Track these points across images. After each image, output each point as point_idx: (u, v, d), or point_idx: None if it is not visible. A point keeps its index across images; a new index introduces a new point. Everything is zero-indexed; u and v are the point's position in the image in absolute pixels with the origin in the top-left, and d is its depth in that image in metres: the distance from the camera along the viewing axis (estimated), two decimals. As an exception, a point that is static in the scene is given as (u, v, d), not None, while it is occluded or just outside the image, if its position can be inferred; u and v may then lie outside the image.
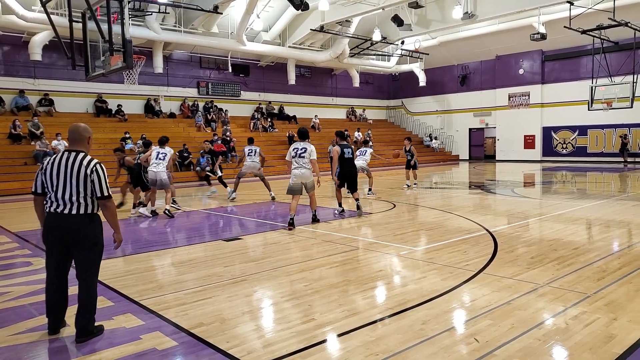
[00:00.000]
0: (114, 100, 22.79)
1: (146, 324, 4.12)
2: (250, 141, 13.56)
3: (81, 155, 3.83)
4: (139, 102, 23.97)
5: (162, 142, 10.79)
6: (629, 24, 20.21)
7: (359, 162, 13.00)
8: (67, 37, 8.84)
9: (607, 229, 8.16)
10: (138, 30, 20.20)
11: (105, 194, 3.84)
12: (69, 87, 21.33)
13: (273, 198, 12.90)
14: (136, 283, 5.34)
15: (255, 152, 13.11)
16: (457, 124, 32.93)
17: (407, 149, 14.94)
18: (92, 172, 3.78)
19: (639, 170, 20.98)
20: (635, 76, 21.16)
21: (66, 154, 3.86)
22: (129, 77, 14.46)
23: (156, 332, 3.95)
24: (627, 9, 20.90)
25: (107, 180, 3.88)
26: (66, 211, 3.77)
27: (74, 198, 3.77)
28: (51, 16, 9.62)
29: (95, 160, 3.85)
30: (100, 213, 3.95)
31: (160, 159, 10.55)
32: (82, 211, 3.79)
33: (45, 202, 3.88)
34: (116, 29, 7.54)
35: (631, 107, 21.55)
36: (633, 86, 21.17)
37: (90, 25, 8.11)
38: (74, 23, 8.55)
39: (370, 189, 13.44)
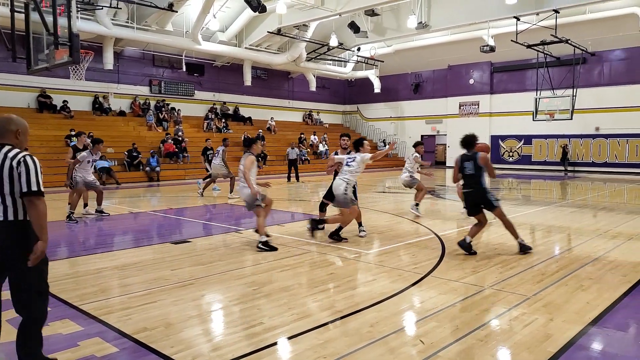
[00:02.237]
0: (59, 95, 21.84)
1: (85, 330, 3.96)
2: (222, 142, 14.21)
3: (6, 148, 3.18)
4: (87, 99, 23.08)
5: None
6: (569, 41, 21.33)
7: (405, 175, 10.47)
8: (8, 27, 8.41)
9: (548, 233, 8.53)
10: (87, 25, 19.47)
11: (34, 188, 3.08)
12: (8, 80, 20.22)
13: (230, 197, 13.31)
14: (76, 287, 5.13)
15: (218, 153, 13.61)
16: (410, 130, 33.61)
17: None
18: (19, 163, 3.11)
19: (578, 179, 22.08)
20: (574, 90, 22.29)
21: None
22: (76, 72, 13.90)
23: (96, 338, 3.80)
24: (568, 27, 22.02)
25: (40, 176, 3.18)
26: None
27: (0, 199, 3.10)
28: (-8, 5, 9.14)
29: (24, 153, 3.20)
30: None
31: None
32: (10, 216, 3.09)
33: None
34: (62, 21, 7.21)
35: (571, 119, 22.72)
36: (573, 99, 22.31)
37: (34, 16, 7.73)
38: (15, 13, 8.14)
39: (417, 204, 10.46)
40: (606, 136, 25.68)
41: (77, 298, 4.75)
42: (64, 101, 21.79)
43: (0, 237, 3.09)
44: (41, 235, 3.11)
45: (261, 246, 6.92)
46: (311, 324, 4.08)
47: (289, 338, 3.81)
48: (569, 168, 26.13)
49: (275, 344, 3.72)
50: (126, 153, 19.93)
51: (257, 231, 7.20)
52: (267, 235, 7.09)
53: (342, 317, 4.24)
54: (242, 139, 24.27)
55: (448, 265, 6.04)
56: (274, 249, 6.92)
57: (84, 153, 9.90)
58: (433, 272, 5.71)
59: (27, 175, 3.10)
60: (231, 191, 13.54)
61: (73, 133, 19.69)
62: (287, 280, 5.41)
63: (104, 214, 10.30)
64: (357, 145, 7.72)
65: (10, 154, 3.15)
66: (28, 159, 3.15)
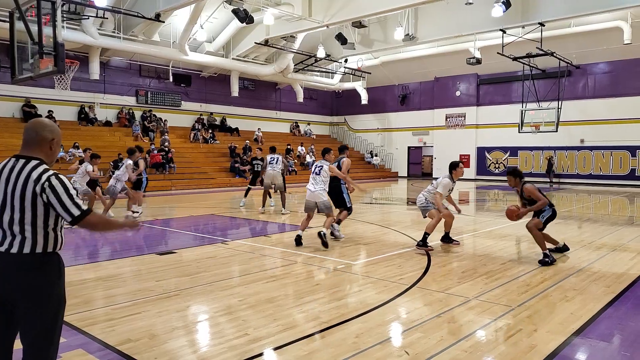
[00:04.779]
0: (44, 105, 21.64)
1: (68, 341, 3.89)
2: (273, 150, 13.33)
3: (33, 164, 2.55)
4: (72, 109, 22.91)
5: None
6: (555, 54, 21.71)
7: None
8: (-7, 36, 8.37)
9: (533, 245, 8.54)
10: (73, 34, 19.37)
11: (76, 213, 2.54)
12: (-7, 89, 20.08)
13: (283, 213, 12.47)
14: (60, 298, 5.05)
15: (278, 160, 12.79)
16: (397, 141, 33.84)
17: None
18: (43, 189, 2.49)
19: (563, 190, 22.33)
20: (560, 102, 22.64)
21: (12, 161, 2.59)
22: (61, 82, 13.79)
23: (79, 349, 3.75)
24: (553, 39, 22.41)
25: (74, 194, 2.57)
26: (3, 248, 2.51)
27: (17, 228, 2.50)
28: (-24, 14, 9.09)
29: (49, 172, 2.55)
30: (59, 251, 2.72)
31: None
32: (27, 249, 2.50)
33: None
34: (48, 31, 7.19)
35: (556, 131, 23.04)
36: (558, 112, 22.65)
37: (19, 25, 7.70)
38: (0, 22, 8.10)
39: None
40: (591, 148, 26.05)
41: (59, 310, 4.68)
42: (49, 111, 21.57)
43: (9, 268, 2.49)
44: (119, 229, 2.92)
45: (322, 236, 7.73)
46: (297, 335, 4.06)
47: (275, 349, 3.79)
48: (554, 180, 26.45)
49: (260, 355, 3.69)
50: (112, 163, 19.73)
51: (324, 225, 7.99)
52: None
53: (327, 328, 4.23)
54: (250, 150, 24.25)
55: (433, 276, 6.06)
56: (326, 245, 7.72)
57: (89, 166, 11.28)
58: (418, 283, 5.72)
59: (62, 204, 2.52)
60: (284, 205, 12.76)
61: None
62: (272, 291, 5.39)
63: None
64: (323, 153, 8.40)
65: (34, 175, 2.51)
66: (54, 181, 2.53)
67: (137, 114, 24.90)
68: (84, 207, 2.57)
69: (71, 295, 5.17)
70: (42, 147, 2.64)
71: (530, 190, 7.12)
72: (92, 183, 12.21)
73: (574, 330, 4.20)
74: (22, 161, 2.56)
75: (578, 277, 6.09)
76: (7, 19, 7.95)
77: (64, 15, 16.74)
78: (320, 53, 25.69)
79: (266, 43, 24.05)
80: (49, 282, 2.57)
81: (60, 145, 2.83)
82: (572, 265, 6.71)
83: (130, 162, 11.30)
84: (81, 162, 11.73)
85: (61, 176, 2.58)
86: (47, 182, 2.50)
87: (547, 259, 6.77)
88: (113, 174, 12.72)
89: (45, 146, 2.65)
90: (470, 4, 20.16)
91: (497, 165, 29.39)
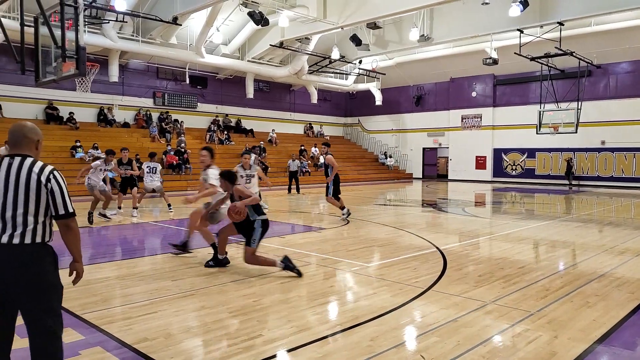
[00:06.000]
0: (66, 107, 22.04)
1: (87, 339, 3.95)
2: (152, 155, 12.87)
3: (31, 160, 2.79)
4: (92, 110, 23.28)
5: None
6: (574, 54, 21.40)
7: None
8: (17, 41, 8.53)
9: (552, 248, 8.47)
10: (94, 38, 19.69)
11: (70, 210, 2.77)
12: (17, 92, 20.48)
13: (169, 205, 12.80)
14: (79, 296, 5.12)
15: (156, 169, 12.60)
16: (412, 143, 33.64)
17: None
18: (48, 180, 2.72)
19: (583, 193, 21.99)
20: (579, 103, 22.28)
21: (7, 159, 2.78)
22: (82, 84, 14.03)
23: (97, 347, 3.80)
24: (573, 39, 22.08)
25: (69, 193, 2.83)
26: (5, 239, 2.64)
27: (20, 219, 2.67)
28: (2, 19, 9.28)
29: (51, 167, 2.80)
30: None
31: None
32: (29, 239, 2.67)
33: None
34: (70, 35, 7.32)
35: (576, 132, 22.67)
36: (577, 112, 22.27)
37: (43, 30, 7.85)
38: (25, 27, 8.26)
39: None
40: (612, 150, 25.49)
41: (79, 307, 4.75)
42: (70, 113, 21.98)
43: (12, 259, 2.65)
44: (77, 256, 2.89)
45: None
46: (311, 337, 4.06)
47: (289, 351, 3.80)
48: (574, 182, 26.03)
49: (274, 356, 3.70)
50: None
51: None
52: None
53: (342, 331, 4.22)
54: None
55: (450, 280, 6.01)
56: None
57: (97, 162, 11.06)
58: (434, 286, 5.68)
59: (62, 196, 2.76)
60: (136, 204, 12.58)
61: (79, 144, 19.87)
62: (287, 292, 5.40)
63: (106, 218, 11.15)
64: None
65: (36, 168, 2.74)
66: (57, 175, 2.78)
67: (155, 116, 25.21)
68: (74, 209, 2.83)
69: (89, 293, 5.27)
70: (29, 147, 2.86)
71: (240, 190, 6.36)
72: (129, 180, 12.29)
73: (597, 337, 4.11)
74: (18, 158, 2.78)
75: (600, 282, 5.96)
76: (32, 24, 8.09)
77: (86, 19, 17.01)
78: (335, 54, 25.71)
79: (281, 45, 24.14)
80: (48, 272, 2.73)
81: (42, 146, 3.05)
82: (594, 270, 6.58)
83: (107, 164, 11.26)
84: (129, 162, 12.28)
85: (61, 173, 2.83)
86: (51, 174, 2.75)
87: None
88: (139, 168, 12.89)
89: (32, 146, 2.87)
90: (486, 3, 19.98)
91: (514, 167, 29.05)
